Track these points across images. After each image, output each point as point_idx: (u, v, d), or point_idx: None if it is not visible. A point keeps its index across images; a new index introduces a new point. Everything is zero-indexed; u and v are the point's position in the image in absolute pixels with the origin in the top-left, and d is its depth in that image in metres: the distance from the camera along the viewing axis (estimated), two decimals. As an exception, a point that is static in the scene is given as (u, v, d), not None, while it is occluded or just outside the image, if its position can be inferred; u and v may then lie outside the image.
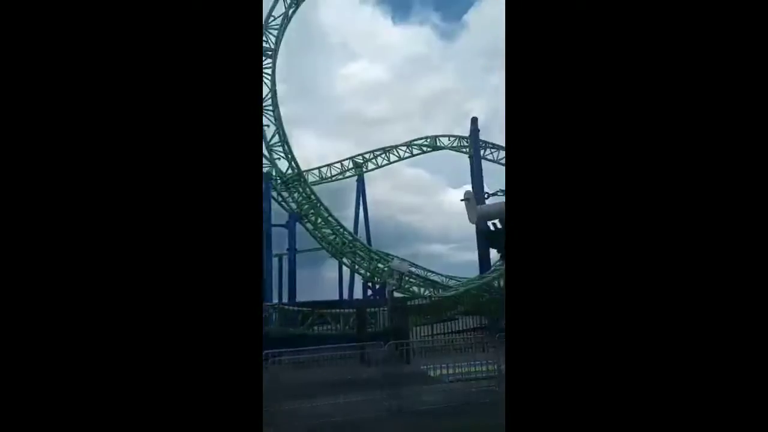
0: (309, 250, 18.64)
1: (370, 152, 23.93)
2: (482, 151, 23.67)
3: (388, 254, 18.78)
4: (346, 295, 19.27)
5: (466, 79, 55.02)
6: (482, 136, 23.95)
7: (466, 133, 24.42)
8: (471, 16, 58.19)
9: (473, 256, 20.01)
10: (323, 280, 23.29)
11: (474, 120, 24.22)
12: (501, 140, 24.94)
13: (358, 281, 19.22)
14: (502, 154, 24.19)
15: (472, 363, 8.12)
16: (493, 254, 22.32)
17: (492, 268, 19.50)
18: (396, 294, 13.34)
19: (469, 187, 20.42)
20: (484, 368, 7.98)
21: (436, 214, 49.57)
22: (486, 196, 5.16)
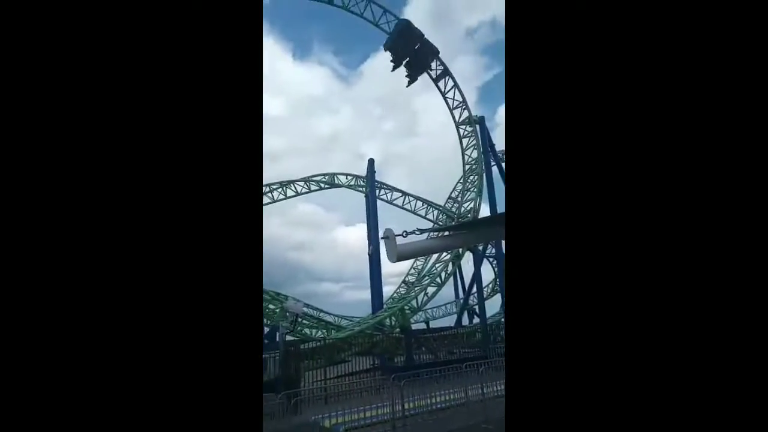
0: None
1: (266, 185, 23.19)
2: (378, 191, 24.69)
3: (279, 293, 17.98)
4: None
5: (361, 122, 57.63)
6: (378, 177, 25.09)
7: (361, 173, 25.35)
8: (366, 67, 61.93)
9: (365, 294, 20.29)
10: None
11: (371, 161, 25.29)
12: (393, 182, 26.39)
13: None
14: (396, 194, 25.55)
15: (366, 408, 8.04)
16: (386, 291, 22.90)
17: (384, 307, 19.95)
18: (288, 337, 12.72)
19: (363, 225, 20.98)
20: (378, 412, 7.97)
21: (328, 252, 49.31)
22: (404, 234, 5.39)
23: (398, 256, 5.24)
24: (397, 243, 5.50)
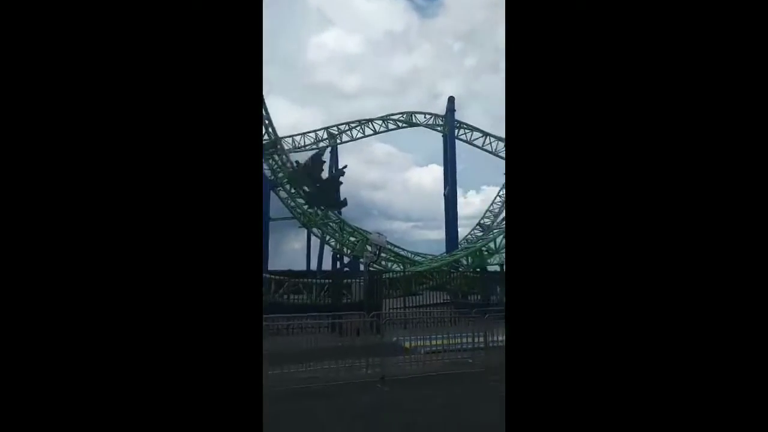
0: (281, 219, 18.36)
1: (345, 124, 23.53)
2: (456, 131, 23.91)
3: (358, 228, 18.87)
4: (314, 266, 19.30)
5: (441, 59, 54.54)
6: (456, 117, 24.14)
7: (439, 112, 24.53)
8: (449, -4, 57.12)
9: (435, 234, 20.50)
10: (288, 250, 23.07)
11: (451, 99, 24.32)
12: (474, 122, 25.21)
13: (327, 252, 19.28)
14: (476, 135, 24.56)
15: (443, 336, 8.44)
16: (461, 233, 22.94)
17: (460, 247, 20.12)
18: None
19: (435, 166, 20.72)
20: (456, 341, 8.34)
21: (401, 192, 49.89)
22: None
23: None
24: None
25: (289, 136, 21.94)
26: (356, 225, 19.04)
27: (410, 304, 13.73)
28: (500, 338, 8.63)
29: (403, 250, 21.42)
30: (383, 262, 17.08)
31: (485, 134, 24.39)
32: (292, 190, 17.19)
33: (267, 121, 16.47)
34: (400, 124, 24.85)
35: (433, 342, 8.31)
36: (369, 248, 13.41)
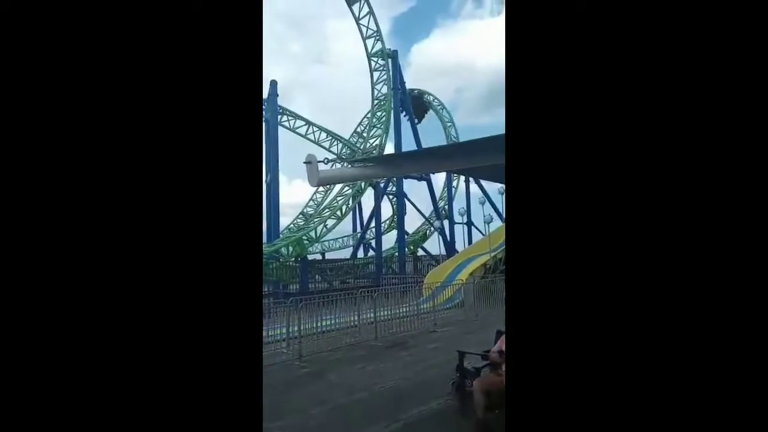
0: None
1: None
2: (279, 117, 23.15)
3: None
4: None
5: (265, 41, 51.92)
6: (280, 102, 23.38)
7: (264, 96, 23.36)
8: (274, -23, 54.75)
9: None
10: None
11: (273, 83, 23.33)
12: (296, 110, 24.87)
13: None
14: (299, 123, 24.25)
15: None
16: (283, 222, 22.47)
17: (281, 236, 19.65)
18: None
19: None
20: (272, 333, 8.05)
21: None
22: (325, 161, 5.33)
23: (319, 181, 5.14)
24: (319, 169, 5.48)
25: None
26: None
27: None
28: (318, 325, 8.79)
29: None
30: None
31: (308, 123, 24.31)
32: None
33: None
34: (216, 104, 22.52)
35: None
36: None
